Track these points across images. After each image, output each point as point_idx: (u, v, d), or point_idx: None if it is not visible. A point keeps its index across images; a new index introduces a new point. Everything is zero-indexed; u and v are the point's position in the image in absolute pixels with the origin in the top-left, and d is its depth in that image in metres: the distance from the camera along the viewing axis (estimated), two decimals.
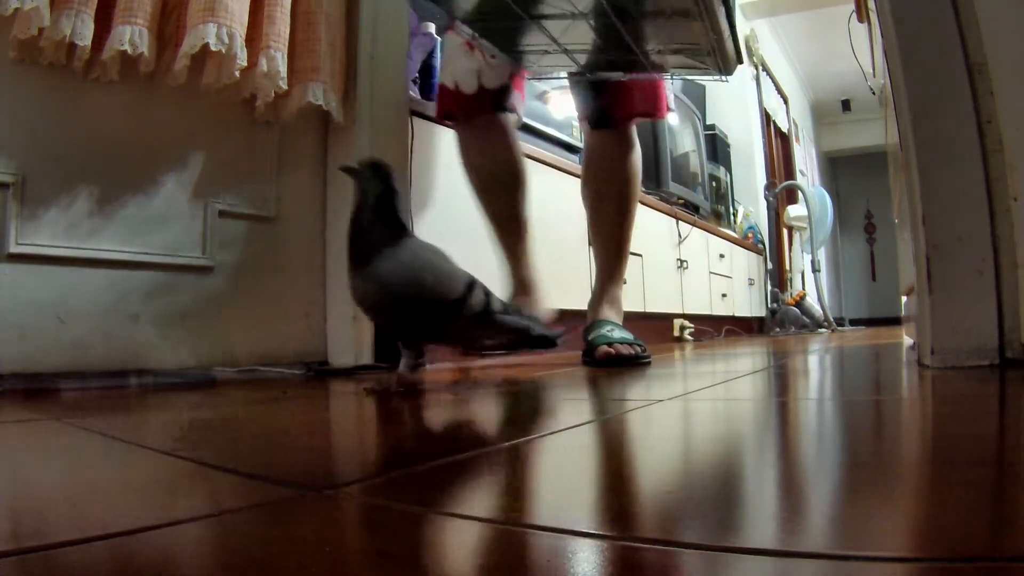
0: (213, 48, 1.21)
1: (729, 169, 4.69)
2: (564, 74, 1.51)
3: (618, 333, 1.44)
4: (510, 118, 1.54)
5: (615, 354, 1.37)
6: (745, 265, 4.54)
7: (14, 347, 1.11)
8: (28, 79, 1.15)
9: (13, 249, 1.12)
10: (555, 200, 2.37)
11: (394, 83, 1.64)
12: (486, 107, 1.50)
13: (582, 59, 1.37)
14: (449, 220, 1.74)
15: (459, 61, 1.49)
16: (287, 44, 1.37)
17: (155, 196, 1.31)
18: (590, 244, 1.63)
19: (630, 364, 1.36)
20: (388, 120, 1.62)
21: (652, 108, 1.53)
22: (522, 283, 1.53)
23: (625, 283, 2.75)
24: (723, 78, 1.36)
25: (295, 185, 1.56)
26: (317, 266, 1.59)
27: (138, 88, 1.28)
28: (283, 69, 1.34)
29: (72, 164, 1.20)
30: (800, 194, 5.17)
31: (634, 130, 1.57)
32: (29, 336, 1.13)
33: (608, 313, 1.52)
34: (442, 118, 1.64)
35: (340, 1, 1.54)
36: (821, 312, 4.77)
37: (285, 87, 1.37)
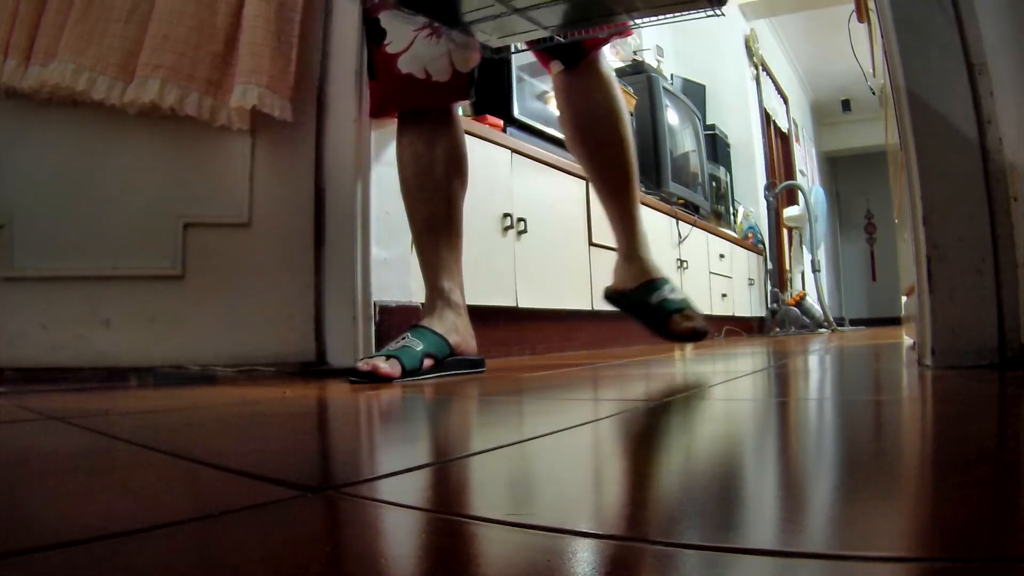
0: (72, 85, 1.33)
1: (729, 169, 4.69)
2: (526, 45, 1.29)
3: (678, 295, 1.33)
4: (458, 108, 1.41)
5: (694, 329, 1.27)
6: (745, 265, 4.54)
7: (8, 350, 1.33)
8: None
9: (6, 274, 1.36)
10: (555, 200, 2.37)
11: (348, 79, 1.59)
12: (459, 94, 1.35)
13: (543, 17, 1.19)
14: None
15: (424, 48, 1.31)
16: (175, 61, 1.38)
17: (124, 215, 1.46)
18: (600, 199, 1.44)
19: (700, 339, 1.28)
20: (347, 118, 1.59)
21: (619, 26, 1.38)
22: (446, 297, 1.33)
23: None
24: (717, 11, 1.18)
25: (274, 189, 1.56)
26: (305, 268, 1.58)
27: (100, 114, 1.42)
28: (161, 90, 1.36)
29: (52, 198, 1.42)
30: (799, 194, 5.17)
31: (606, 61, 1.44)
32: (16, 342, 1.35)
33: (656, 264, 1.39)
34: (391, 112, 1.47)
35: (295, 3, 1.49)
36: (821, 312, 4.78)
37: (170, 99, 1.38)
